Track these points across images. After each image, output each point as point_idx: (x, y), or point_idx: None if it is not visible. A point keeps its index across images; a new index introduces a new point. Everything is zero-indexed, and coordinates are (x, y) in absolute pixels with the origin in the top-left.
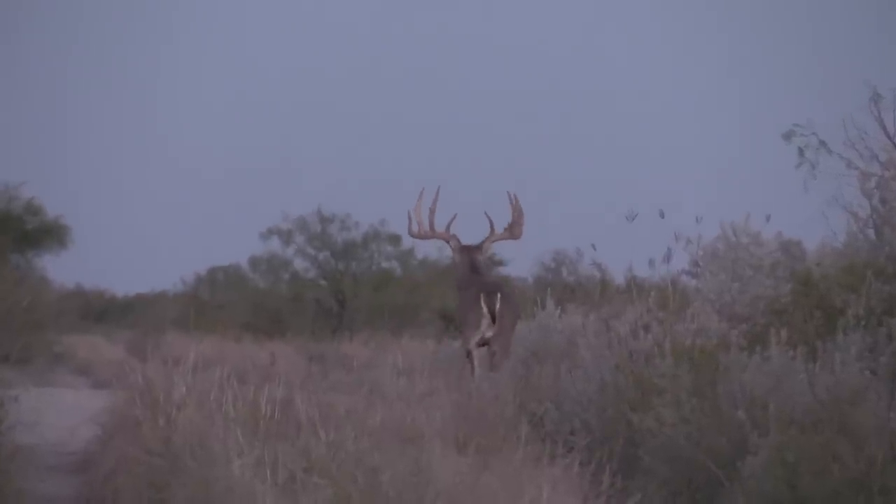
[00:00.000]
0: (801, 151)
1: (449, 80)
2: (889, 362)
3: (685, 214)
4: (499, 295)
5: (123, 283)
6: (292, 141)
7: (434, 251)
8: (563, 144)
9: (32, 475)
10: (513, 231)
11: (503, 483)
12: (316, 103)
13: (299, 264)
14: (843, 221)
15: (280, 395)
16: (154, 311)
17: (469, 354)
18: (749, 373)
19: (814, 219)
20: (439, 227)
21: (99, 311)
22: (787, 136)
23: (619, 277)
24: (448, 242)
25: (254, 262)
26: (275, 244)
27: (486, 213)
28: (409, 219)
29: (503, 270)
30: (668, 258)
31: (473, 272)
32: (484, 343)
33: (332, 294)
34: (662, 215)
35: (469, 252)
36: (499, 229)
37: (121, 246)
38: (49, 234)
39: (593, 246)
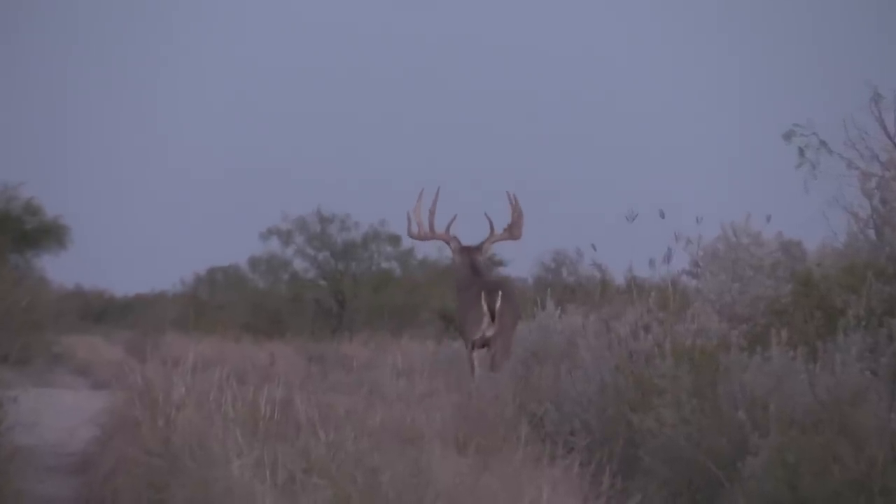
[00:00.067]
0: (801, 151)
1: (449, 80)
2: (890, 363)
3: (685, 215)
4: (499, 293)
5: (123, 283)
6: (292, 141)
7: (434, 251)
8: (563, 144)
9: (31, 476)
10: (512, 231)
11: (503, 484)
12: (316, 103)
13: (299, 264)
14: (843, 222)
15: (279, 395)
16: (153, 312)
17: (469, 354)
18: (749, 373)
19: (814, 219)
20: (439, 228)
21: (98, 311)
22: (788, 136)
23: (619, 278)
24: (448, 243)
25: (253, 262)
26: (274, 244)
27: (485, 213)
28: (409, 220)
29: (503, 271)
30: (668, 258)
31: (474, 273)
32: (484, 343)
33: (331, 294)
34: (662, 215)
35: (469, 253)
36: (499, 230)
37: (120, 246)
38: (48, 235)
39: (593, 246)
